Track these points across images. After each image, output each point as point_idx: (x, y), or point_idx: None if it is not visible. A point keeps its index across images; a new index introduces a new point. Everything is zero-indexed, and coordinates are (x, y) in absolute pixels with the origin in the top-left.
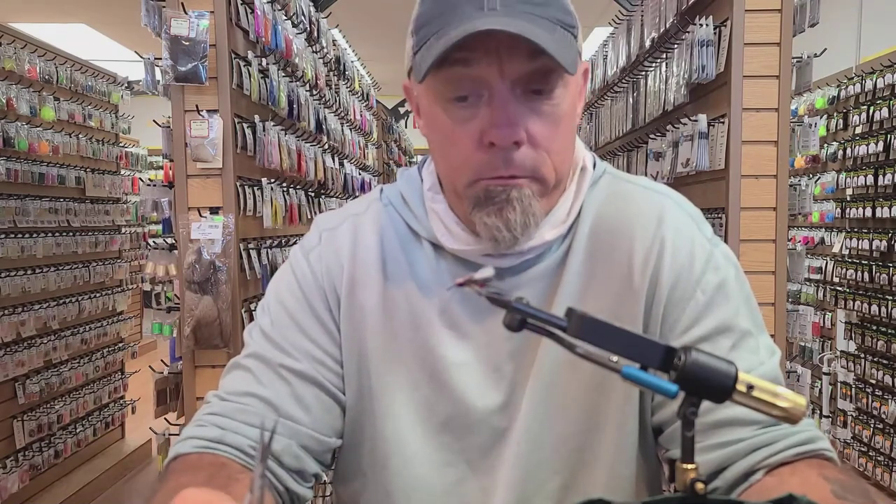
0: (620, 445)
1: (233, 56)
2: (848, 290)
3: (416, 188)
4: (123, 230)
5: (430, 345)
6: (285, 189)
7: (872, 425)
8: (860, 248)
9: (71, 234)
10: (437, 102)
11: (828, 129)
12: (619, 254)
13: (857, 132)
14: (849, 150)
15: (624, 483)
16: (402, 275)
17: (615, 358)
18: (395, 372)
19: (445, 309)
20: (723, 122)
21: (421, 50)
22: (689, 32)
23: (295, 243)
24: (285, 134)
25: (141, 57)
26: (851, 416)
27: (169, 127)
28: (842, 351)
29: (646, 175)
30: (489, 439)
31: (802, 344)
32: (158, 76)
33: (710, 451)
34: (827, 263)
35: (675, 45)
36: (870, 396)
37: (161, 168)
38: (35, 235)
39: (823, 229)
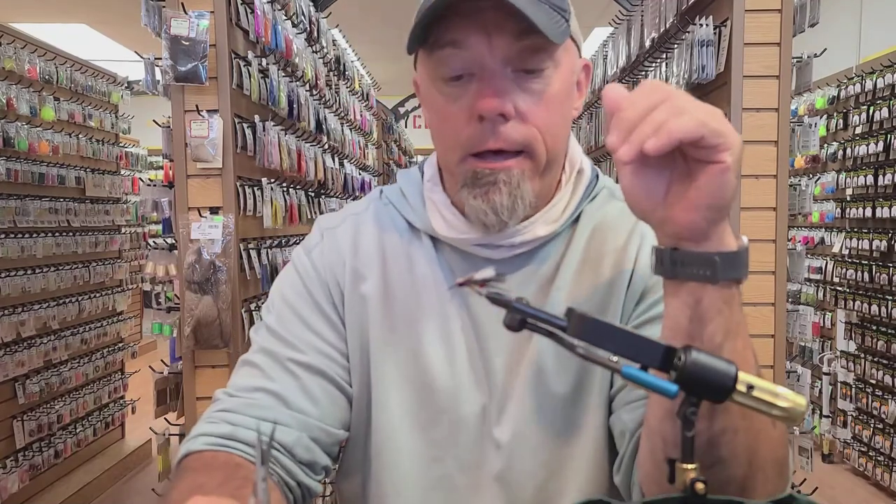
0: (598, 442)
1: (233, 56)
2: (848, 290)
3: (415, 183)
4: (123, 230)
5: (423, 340)
6: (285, 189)
7: (872, 425)
8: (860, 248)
9: (71, 234)
10: (432, 84)
11: (828, 129)
12: (608, 261)
13: (857, 132)
14: (849, 150)
15: (601, 476)
16: (401, 268)
17: (615, 358)
18: (391, 363)
19: (442, 305)
20: None
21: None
22: (689, 32)
23: (296, 243)
24: (285, 134)
25: (141, 57)
26: (851, 416)
27: (169, 127)
28: (842, 351)
29: None
30: (475, 437)
31: (802, 344)
32: (158, 76)
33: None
34: (827, 263)
35: (675, 46)
36: (870, 396)
37: (161, 168)
38: (35, 235)
39: (823, 229)
